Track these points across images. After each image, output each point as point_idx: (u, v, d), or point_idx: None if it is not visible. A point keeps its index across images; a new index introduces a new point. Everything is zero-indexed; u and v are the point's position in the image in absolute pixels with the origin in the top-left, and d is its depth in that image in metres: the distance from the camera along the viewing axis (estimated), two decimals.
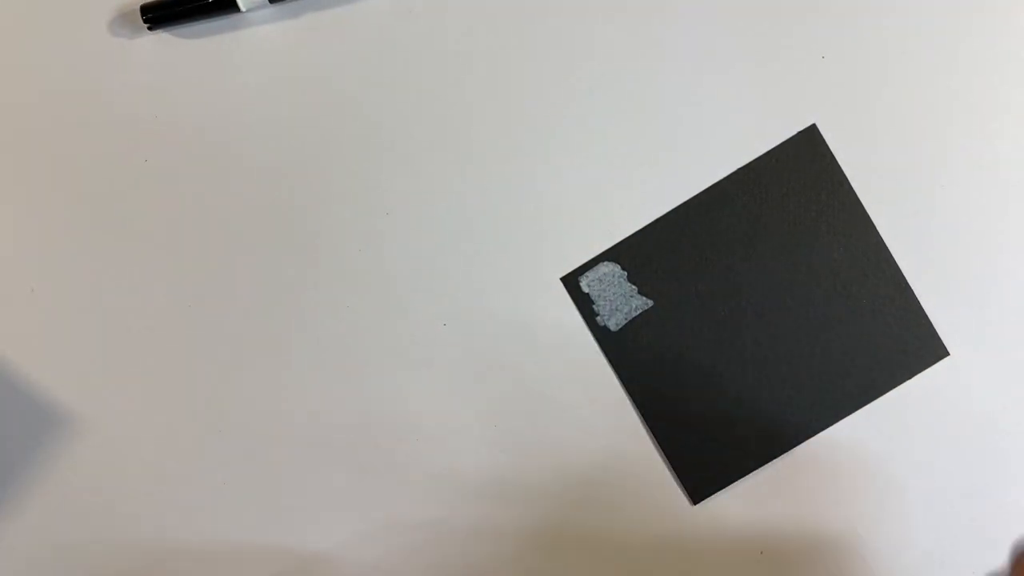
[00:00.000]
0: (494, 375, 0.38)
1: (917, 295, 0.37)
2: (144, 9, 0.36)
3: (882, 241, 0.37)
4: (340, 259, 0.38)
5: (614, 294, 0.37)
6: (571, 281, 0.37)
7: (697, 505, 0.38)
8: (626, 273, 0.37)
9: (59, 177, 0.38)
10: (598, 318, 0.37)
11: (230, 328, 0.38)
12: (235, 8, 0.36)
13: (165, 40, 0.37)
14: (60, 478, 0.38)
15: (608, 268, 0.37)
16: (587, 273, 0.37)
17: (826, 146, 0.37)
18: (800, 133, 0.37)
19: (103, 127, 0.38)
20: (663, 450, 0.38)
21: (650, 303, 0.37)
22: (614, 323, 0.37)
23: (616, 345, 0.37)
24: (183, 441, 0.38)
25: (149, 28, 0.37)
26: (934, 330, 0.37)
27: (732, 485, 0.38)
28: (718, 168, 0.37)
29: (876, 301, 0.37)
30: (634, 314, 0.37)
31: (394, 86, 0.37)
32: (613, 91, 0.37)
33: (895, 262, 0.37)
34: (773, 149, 0.37)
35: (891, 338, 0.37)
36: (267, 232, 0.38)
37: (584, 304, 0.37)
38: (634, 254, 0.37)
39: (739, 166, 0.37)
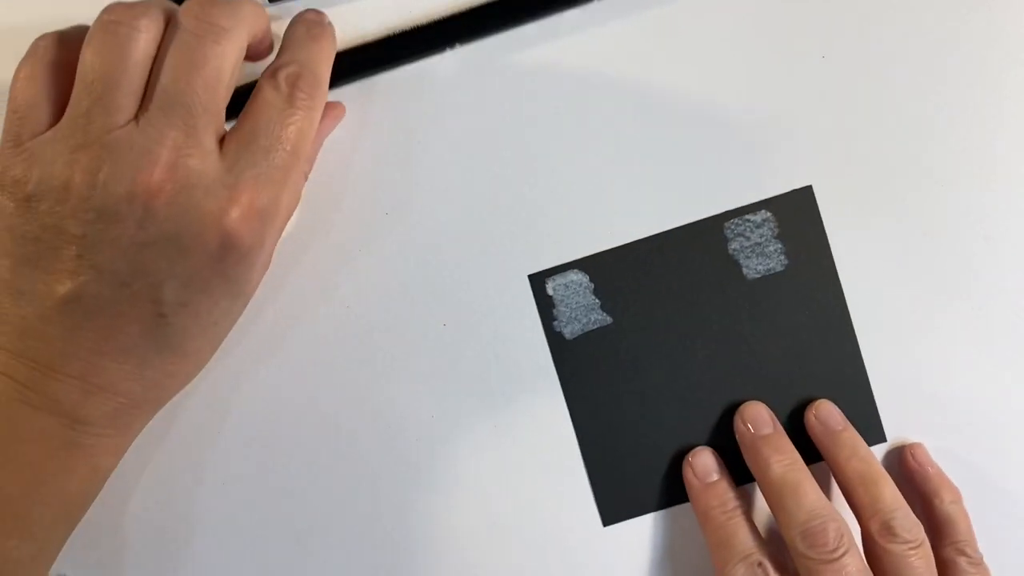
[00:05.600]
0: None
1: (869, 377, 0.37)
2: None
3: (849, 318, 0.37)
4: (339, 259, 0.38)
5: (576, 303, 0.38)
6: (538, 280, 0.38)
7: (607, 528, 0.38)
8: (592, 286, 0.38)
9: None
10: (555, 323, 0.38)
11: None
12: None
13: None
14: None
15: (576, 276, 0.38)
16: (555, 276, 0.38)
17: (817, 210, 0.37)
18: (795, 191, 0.37)
19: None
20: (586, 466, 0.38)
21: (609, 320, 0.38)
22: (569, 331, 0.38)
23: (566, 354, 0.38)
24: (182, 441, 0.38)
25: None
26: (878, 415, 0.38)
27: (646, 516, 0.38)
28: (707, 205, 0.37)
29: (829, 372, 0.37)
30: (591, 327, 0.38)
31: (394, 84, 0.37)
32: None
33: (856, 340, 0.37)
34: (764, 200, 0.37)
35: None
36: None
37: (545, 306, 0.38)
38: (605, 270, 0.38)
39: (727, 208, 0.37)
